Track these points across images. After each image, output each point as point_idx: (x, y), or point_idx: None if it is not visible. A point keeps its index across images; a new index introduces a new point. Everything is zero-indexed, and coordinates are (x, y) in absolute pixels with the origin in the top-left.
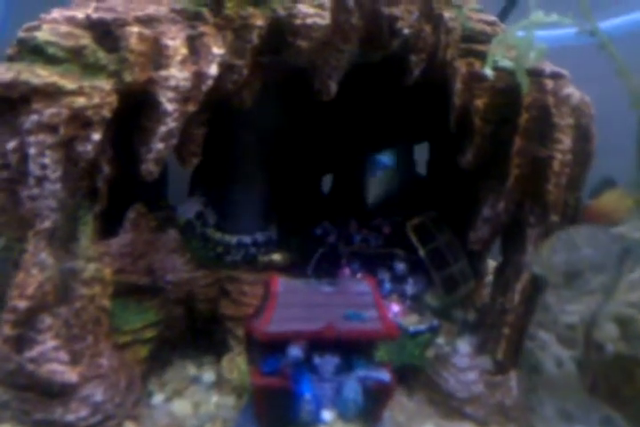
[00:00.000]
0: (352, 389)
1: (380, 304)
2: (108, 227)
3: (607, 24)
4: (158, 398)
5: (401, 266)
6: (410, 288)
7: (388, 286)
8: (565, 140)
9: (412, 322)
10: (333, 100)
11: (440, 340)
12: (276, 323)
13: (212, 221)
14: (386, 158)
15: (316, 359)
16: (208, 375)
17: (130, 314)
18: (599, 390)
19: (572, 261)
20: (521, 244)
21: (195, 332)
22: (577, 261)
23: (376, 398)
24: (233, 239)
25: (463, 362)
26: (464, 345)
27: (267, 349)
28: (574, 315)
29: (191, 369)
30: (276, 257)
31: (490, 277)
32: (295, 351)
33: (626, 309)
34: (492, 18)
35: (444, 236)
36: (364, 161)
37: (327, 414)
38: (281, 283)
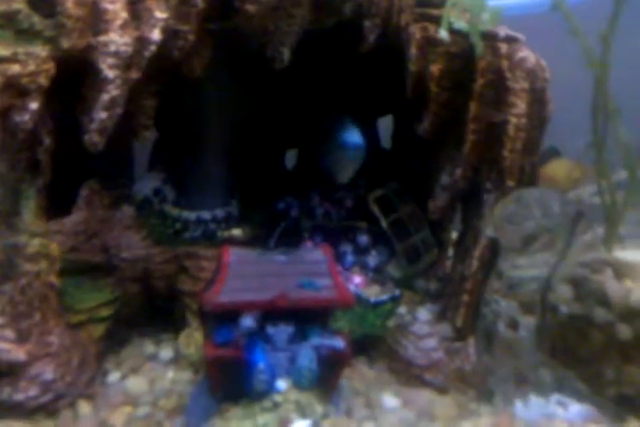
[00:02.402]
0: (306, 357)
1: (335, 272)
2: (63, 204)
3: None
4: (114, 377)
5: (364, 238)
6: (372, 260)
7: (350, 258)
8: (520, 105)
9: (374, 293)
10: (292, 71)
11: (402, 309)
12: (228, 293)
13: (170, 198)
14: (355, 137)
15: (270, 329)
16: (166, 352)
17: (84, 293)
18: (556, 351)
19: (524, 223)
20: (478, 209)
21: (153, 309)
22: (529, 223)
23: (331, 365)
24: (192, 215)
25: (423, 329)
26: (424, 313)
27: (219, 320)
28: (527, 278)
29: (149, 347)
30: (236, 232)
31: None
32: (248, 321)
33: (579, 269)
34: None
35: (407, 207)
36: (331, 140)
37: (282, 384)
38: (232, 253)
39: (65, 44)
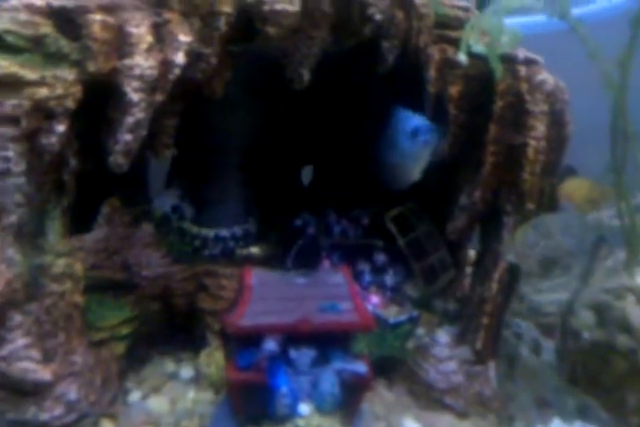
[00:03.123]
0: (329, 381)
1: (356, 295)
2: (83, 222)
3: (584, 10)
4: (135, 396)
5: (380, 257)
6: (389, 279)
7: (367, 277)
8: (539, 127)
9: (392, 313)
10: (310, 90)
11: (420, 331)
12: (250, 317)
13: (188, 215)
14: (421, 121)
15: (292, 352)
16: (186, 371)
17: (105, 310)
18: (577, 377)
19: (546, 248)
20: (498, 232)
21: (173, 327)
22: (551, 248)
23: (353, 390)
24: (210, 233)
25: (443, 352)
26: (444, 335)
27: (242, 343)
28: (550, 303)
29: (169, 365)
30: (255, 250)
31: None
32: (270, 345)
33: (601, 295)
34: (466, 3)
35: (424, 226)
36: (391, 131)
37: (304, 408)
38: (255, 275)
39: (91, 67)
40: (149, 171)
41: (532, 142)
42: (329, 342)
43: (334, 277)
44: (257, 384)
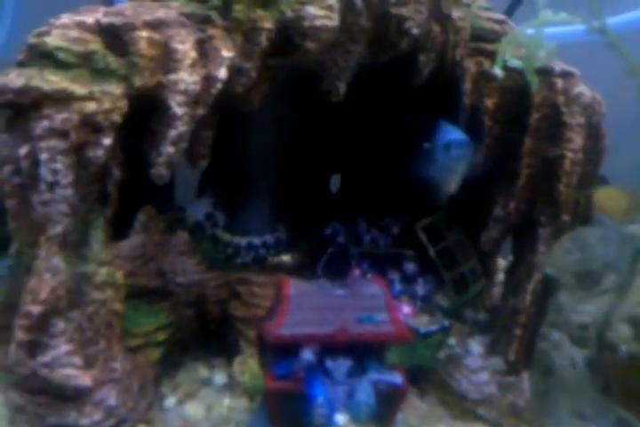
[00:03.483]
0: (365, 392)
1: (392, 307)
2: (119, 229)
3: (617, 20)
4: (171, 401)
5: (411, 266)
6: (420, 289)
7: (398, 286)
8: (576, 140)
9: (423, 323)
10: (344, 100)
11: (451, 341)
12: (289, 326)
13: (221, 223)
14: (456, 134)
15: (329, 363)
16: (220, 378)
17: (141, 317)
18: (613, 391)
19: (584, 261)
20: (532, 244)
21: (206, 334)
22: (590, 261)
23: (388, 401)
24: (243, 241)
25: (475, 363)
26: (476, 346)
27: (279, 352)
28: (587, 315)
29: (203, 371)
30: (286, 258)
31: (500, 276)
32: (307, 355)
33: (639, 309)
34: (501, 16)
35: (454, 235)
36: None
37: (340, 418)
38: (293, 286)
39: (137, 82)
40: (176, 179)
41: (570, 154)
42: (365, 352)
43: (371, 288)
44: (294, 394)
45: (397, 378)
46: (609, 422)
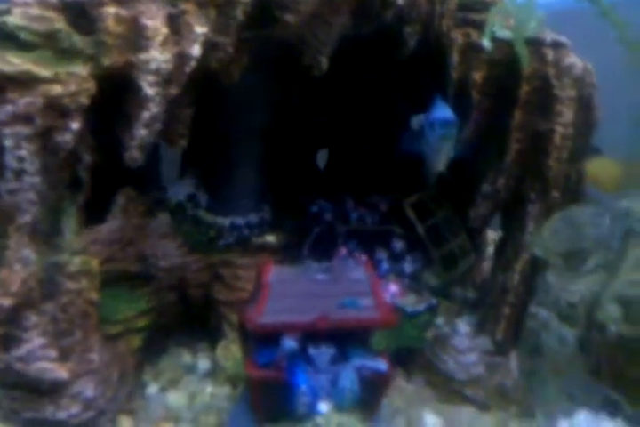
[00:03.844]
0: (348, 379)
1: (377, 291)
2: (96, 212)
3: None
4: (153, 389)
5: (399, 244)
6: (408, 267)
7: (385, 265)
8: (567, 113)
9: (410, 302)
10: (328, 74)
11: (439, 320)
12: (270, 314)
13: (203, 203)
14: (447, 113)
15: (312, 350)
16: (203, 363)
17: (121, 303)
18: (602, 371)
19: (573, 240)
20: (521, 220)
21: (189, 318)
22: (579, 240)
23: (373, 387)
24: (226, 221)
25: (462, 343)
26: (463, 326)
27: (261, 340)
28: (576, 294)
29: (186, 357)
30: (270, 238)
31: (490, 249)
32: (290, 343)
33: (629, 289)
34: None
35: (443, 212)
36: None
37: (324, 406)
38: (273, 272)
39: (105, 61)
40: (163, 159)
41: (560, 129)
42: (348, 338)
43: (355, 272)
44: (277, 382)
45: (382, 364)
46: (597, 403)
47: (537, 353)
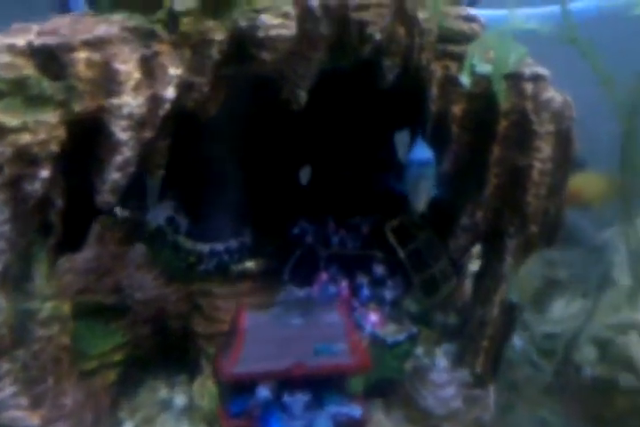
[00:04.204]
0: (323, 425)
1: (352, 335)
2: (72, 241)
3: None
4: None
5: (380, 269)
6: (389, 293)
7: (366, 291)
8: (545, 149)
9: (391, 332)
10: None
11: (418, 349)
12: (244, 363)
13: (183, 228)
14: (424, 154)
15: (286, 398)
16: (179, 399)
17: (96, 337)
18: (578, 409)
19: (550, 282)
20: (500, 253)
21: (167, 350)
22: (555, 282)
23: None
24: (205, 248)
25: (441, 378)
26: (442, 359)
27: (234, 388)
28: (553, 334)
29: (163, 391)
30: (250, 265)
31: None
32: (264, 392)
33: (605, 331)
34: (470, 12)
35: (425, 236)
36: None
37: None
38: (248, 318)
39: (76, 107)
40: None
41: (538, 164)
42: (324, 383)
43: (330, 315)
44: None
45: (356, 410)
46: None
47: (514, 387)
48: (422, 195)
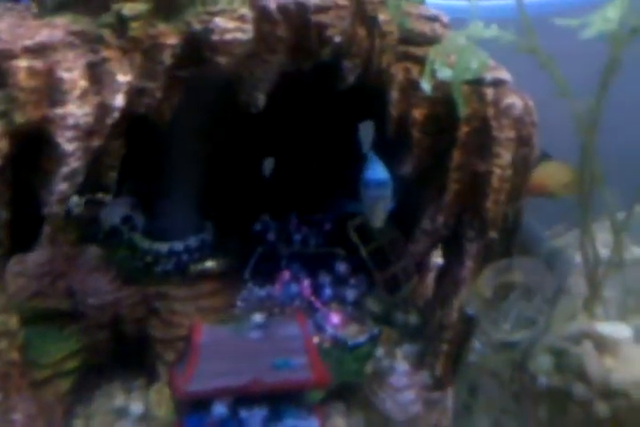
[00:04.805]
0: None
1: (311, 348)
2: (24, 242)
3: None
4: None
5: (342, 267)
6: (350, 293)
7: (328, 290)
8: (505, 155)
9: (352, 333)
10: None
11: (379, 350)
12: (199, 379)
13: (140, 226)
14: (377, 173)
15: (243, 413)
16: (136, 406)
17: (48, 344)
18: (534, 416)
19: (507, 293)
20: (460, 257)
21: (123, 355)
22: (512, 292)
23: None
24: (163, 248)
25: (400, 382)
26: (402, 362)
27: (190, 404)
28: (511, 344)
29: (119, 397)
30: (210, 264)
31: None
32: (219, 409)
33: (560, 341)
34: (433, 12)
35: (387, 233)
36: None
37: None
38: (204, 332)
39: (19, 118)
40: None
41: (498, 171)
42: (282, 396)
43: (289, 327)
44: None
45: (314, 423)
46: None
47: (473, 390)
48: (380, 215)
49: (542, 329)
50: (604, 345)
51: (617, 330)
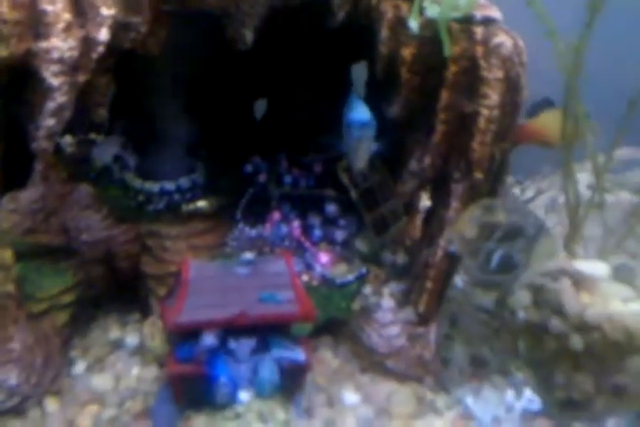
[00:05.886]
0: (267, 369)
1: (297, 284)
2: (16, 179)
3: None
4: (80, 367)
5: (332, 207)
6: (340, 234)
7: (317, 232)
8: (493, 96)
9: (341, 272)
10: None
11: (367, 289)
12: (189, 312)
13: (131, 165)
14: (361, 113)
15: (232, 343)
16: (131, 339)
17: (44, 278)
18: (512, 350)
19: (489, 228)
20: (446, 198)
21: (119, 289)
22: (494, 228)
23: (292, 376)
24: (155, 187)
25: (385, 318)
26: (388, 299)
27: (181, 335)
28: (492, 281)
29: (115, 331)
30: (202, 204)
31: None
32: (209, 339)
33: (538, 277)
34: None
35: (377, 175)
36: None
37: (244, 395)
38: (193, 267)
39: (2, 51)
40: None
41: (485, 111)
42: (270, 328)
43: (275, 265)
44: (196, 376)
45: (300, 355)
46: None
47: (454, 324)
48: (363, 156)
49: (523, 267)
50: (581, 282)
51: (595, 268)
